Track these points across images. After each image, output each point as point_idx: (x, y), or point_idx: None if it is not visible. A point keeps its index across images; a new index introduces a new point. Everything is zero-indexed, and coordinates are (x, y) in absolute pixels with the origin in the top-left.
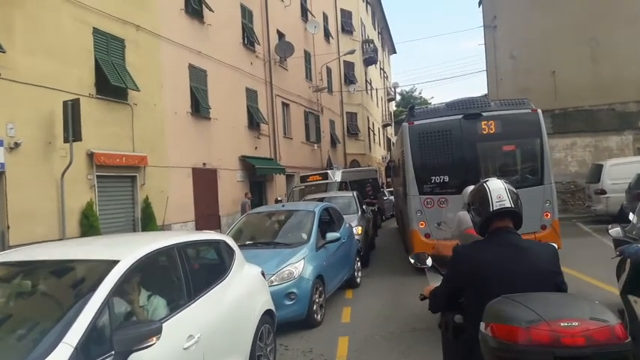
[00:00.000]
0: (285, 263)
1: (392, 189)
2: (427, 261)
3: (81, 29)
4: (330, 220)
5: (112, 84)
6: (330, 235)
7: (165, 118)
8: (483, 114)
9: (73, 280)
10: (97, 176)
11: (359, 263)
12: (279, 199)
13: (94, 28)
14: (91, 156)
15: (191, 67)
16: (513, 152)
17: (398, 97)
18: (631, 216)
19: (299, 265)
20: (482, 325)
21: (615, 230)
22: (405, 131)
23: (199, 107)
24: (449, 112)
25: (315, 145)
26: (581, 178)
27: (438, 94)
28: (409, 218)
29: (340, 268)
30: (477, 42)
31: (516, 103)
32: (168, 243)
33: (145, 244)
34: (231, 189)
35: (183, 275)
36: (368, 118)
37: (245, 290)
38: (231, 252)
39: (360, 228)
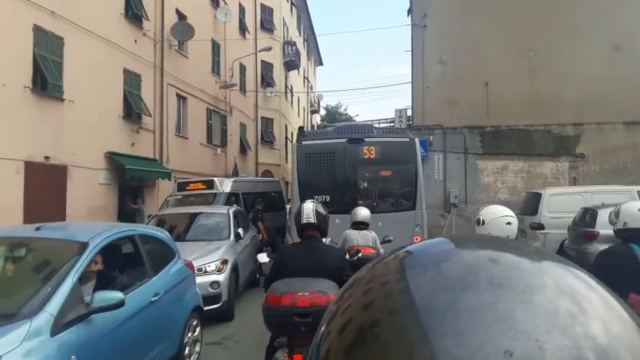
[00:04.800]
0: None
1: None
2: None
3: None
4: (136, 261)
5: None
6: (102, 298)
7: None
8: (365, 139)
9: None
10: None
11: (197, 329)
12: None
13: None
14: None
15: (38, 29)
16: (390, 177)
17: (323, 112)
18: None
19: None
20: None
21: None
22: (293, 150)
23: (47, 83)
24: (335, 136)
25: (219, 150)
26: (511, 208)
27: (363, 112)
28: (291, 233)
29: (135, 353)
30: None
31: (397, 131)
32: None
33: None
34: (89, 193)
35: None
36: (286, 127)
37: None
38: None
39: (221, 264)
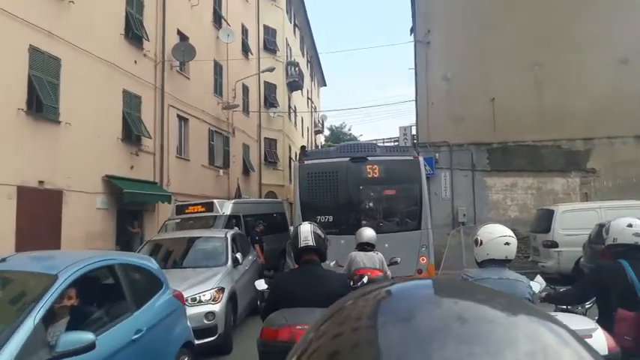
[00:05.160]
0: None
1: None
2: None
3: None
4: (116, 294)
5: None
6: (68, 341)
7: None
8: (369, 158)
9: None
10: None
11: None
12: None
13: None
14: None
15: (34, 50)
16: (394, 196)
17: (327, 132)
18: None
19: None
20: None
21: None
22: (295, 169)
23: (42, 105)
24: (338, 155)
25: (222, 171)
26: (522, 226)
27: (367, 132)
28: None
29: None
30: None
31: (401, 150)
32: None
33: None
34: (86, 218)
35: None
36: (290, 147)
37: None
38: None
39: (217, 293)
